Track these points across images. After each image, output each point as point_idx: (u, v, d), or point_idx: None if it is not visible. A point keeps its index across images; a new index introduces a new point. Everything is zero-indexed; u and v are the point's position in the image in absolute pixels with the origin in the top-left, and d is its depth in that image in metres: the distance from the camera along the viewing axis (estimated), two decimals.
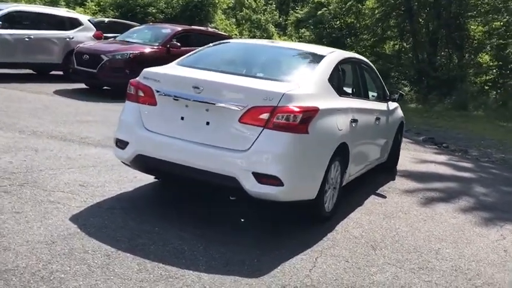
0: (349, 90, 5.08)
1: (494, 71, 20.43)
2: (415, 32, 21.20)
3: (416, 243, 4.32)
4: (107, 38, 13.02)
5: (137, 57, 10.55)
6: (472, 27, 20.60)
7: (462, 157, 9.01)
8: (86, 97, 10.03)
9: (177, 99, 4.03)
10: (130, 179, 5.12)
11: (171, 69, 4.44)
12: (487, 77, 20.75)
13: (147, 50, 10.93)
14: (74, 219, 3.93)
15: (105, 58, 10.38)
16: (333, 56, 4.82)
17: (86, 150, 6.02)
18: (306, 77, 4.29)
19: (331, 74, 4.52)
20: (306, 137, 3.86)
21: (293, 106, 3.80)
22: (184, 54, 11.35)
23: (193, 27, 13.48)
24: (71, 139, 6.47)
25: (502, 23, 20.16)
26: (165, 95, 4.08)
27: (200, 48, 5.14)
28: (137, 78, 4.35)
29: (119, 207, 4.30)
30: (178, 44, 11.21)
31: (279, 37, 24.95)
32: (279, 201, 3.87)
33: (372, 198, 5.55)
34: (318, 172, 4.11)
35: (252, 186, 3.76)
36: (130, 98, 4.35)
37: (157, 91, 4.11)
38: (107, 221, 3.97)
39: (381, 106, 5.94)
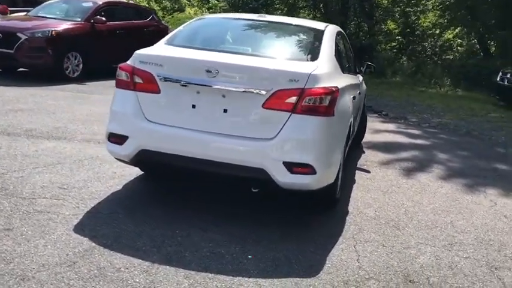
0: (344, 65, 4.89)
1: (399, 37, 21.47)
2: (326, 1, 21.51)
3: (428, 218, 4.32)
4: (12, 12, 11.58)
5: (60, 35, 9.49)
6: None
7: (407, 124, 9.32)
8: (3, 81, 8.85)
9: (186, 85, 3.57)
10: (111, 175, 4.57)
11: (169, 50, 3.90)
12: (393, 44, 21.78)
13: (70, 26, 9.86)
14: (79, 230, 3.38)
15: (23, 37, 9.18)
16: (330, 30, 4.59)
17: (41, 145, 5.28)
18: (317, 55, 4.00)
19: (335, 50, 4.30)
20: (332, 120, 3.62)
21: (320, 87, 3.52)
22: (111, 30, 10.64)
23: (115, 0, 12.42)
24: (14, 133, 5.64)
25: None
26: (170, 81, 3.60)
27: (184, 25, 4.60)
28: (129, 62, 3.79)
29: (121, 210, 3.79)
30: (104, 18, 10.29)
31: (190, 8, 24.14)
32: (310, 190, 3.63)
33: (359, 174, 5.50)
34: (339, 155, 3.91)
35: (283, 177, 3.46)
36: (122, 85, 3.79)
37: (160, 77, 3.61)
38: (117, 228, 3.47)
39: (358, 80, 5.84)
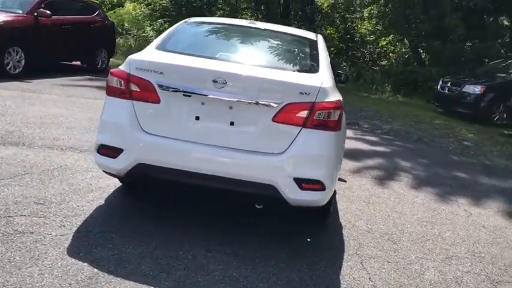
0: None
1: (337, 43, 22.02)
2: (268, 3, 21.60)
3: (417, 230, 4.36)
4: None
5: (0, 27, 8.74)
6: (321, 0, 21.75)
7: (362, 130, 9.48)
8: None
9: (189, 95, 3.34)
10: (87, 187, 4.23)
11: (167, 57, 3.62)
12: (332, 49, 22.29)
13: (11, 18, 9.13)
14: (74, 254, 3.06)
15: None
16: (321, 40, 4.52)
17: None
18: (318, 66, 3.90)
19: (329, 61, 4.23)
20: (339, 134, 3.54)
21: (329, 101, 3.43)
22: (56, 24, 9.95)
23: None
24: None
25: None
26: (172, 90, 3.35)
27: (171, 29, 4.30)
28: (123, 68, 3.48)
29: (112, 228, 3.49)
30: (49, 12, 9.62)
31: (130, 3, 23.23)
32: (317, 206, 3.53)
33: (337, 184, 5.47)
34: (340, 169, 3.84)
35: (293, 194, 3.33)
36: (115, 93, 3.47)
37: (161, 85, 3.35)
38: (114, 250, 3.18)
39: None
